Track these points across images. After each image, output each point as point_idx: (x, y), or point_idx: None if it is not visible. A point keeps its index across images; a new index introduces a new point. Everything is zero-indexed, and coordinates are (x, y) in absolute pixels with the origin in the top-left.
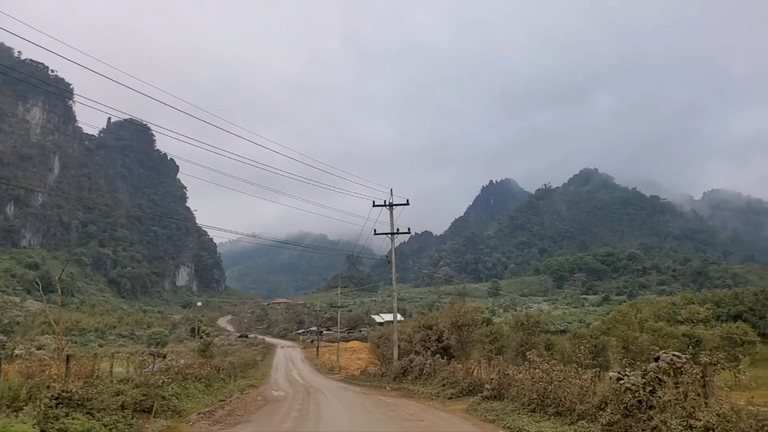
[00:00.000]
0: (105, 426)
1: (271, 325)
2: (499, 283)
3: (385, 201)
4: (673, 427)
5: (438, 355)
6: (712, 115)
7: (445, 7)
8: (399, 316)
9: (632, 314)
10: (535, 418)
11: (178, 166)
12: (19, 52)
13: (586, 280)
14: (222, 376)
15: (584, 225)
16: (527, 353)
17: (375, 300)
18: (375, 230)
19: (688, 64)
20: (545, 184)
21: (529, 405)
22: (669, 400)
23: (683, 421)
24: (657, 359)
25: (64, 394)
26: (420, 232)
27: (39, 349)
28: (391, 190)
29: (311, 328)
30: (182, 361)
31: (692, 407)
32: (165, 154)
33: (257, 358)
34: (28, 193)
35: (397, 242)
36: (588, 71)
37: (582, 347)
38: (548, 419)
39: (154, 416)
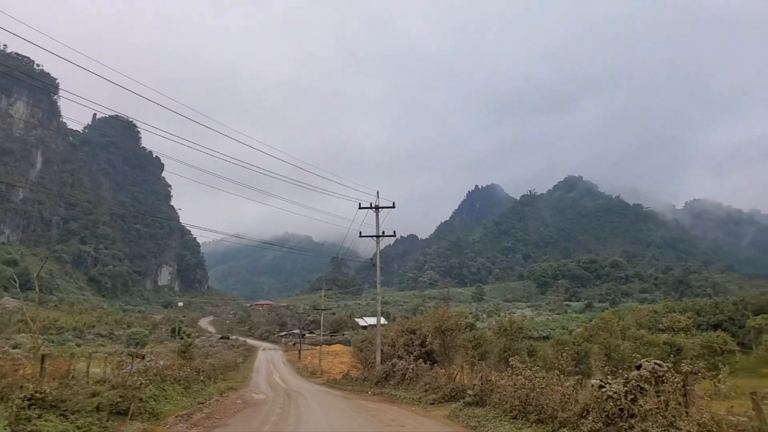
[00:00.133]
0: (79, 428)
1: (253, 327)
2: (483, 288)
3: (371, 203)
4: None
5: (421, 360)
6: (695, 127)
7: (437, 15)
8: (383, 320)
9: (614, 322)
10: (516, 425)
11: (163, 164)
12: (5, 45)
13: (569, 287)
14: (202, 378)
15: (568, 232)
16: (510, 359)
17: (359, 303)
18: (360, 233)
19: (674, 76)
20: (530, 191)
21: (511, 412)
22: (650, 409)
23: (664, 430)
24: (639, 367)
25: (37, 394)
26: (405, 236)
27: (14, 348)
28: (378, 192)
29: (294, 331)
30: (161, 362)
31: (673, 416)
32: (150, 151)
33: (238, 360)
34: (9, 188)
35: (382, 245)
36: (576, 80)
37: (564, 354)
38: (530, 426)
39: (130, 419)
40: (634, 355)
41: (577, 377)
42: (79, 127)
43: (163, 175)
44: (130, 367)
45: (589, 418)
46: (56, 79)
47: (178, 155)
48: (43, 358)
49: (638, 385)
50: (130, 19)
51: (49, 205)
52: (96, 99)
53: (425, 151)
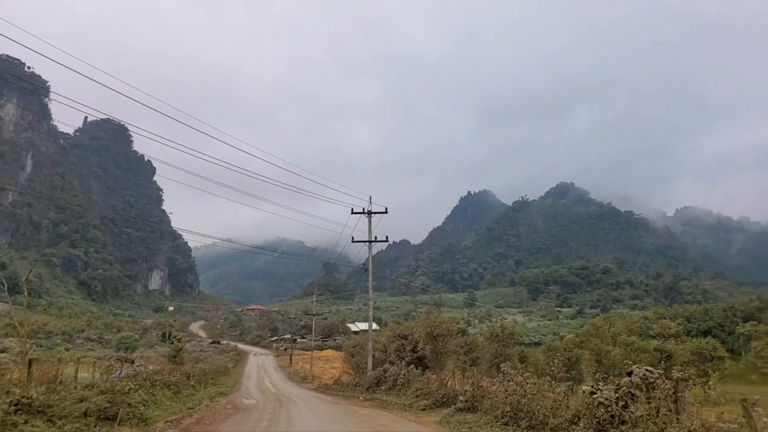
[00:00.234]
0: None
1: (245, 332)
2: (475, 294)
3: (364, 208)
4: None
5: (412, 366)
6: (686, 134)
7: (432, 20)
8: (374, 325)
9: (605, 328)
10: (508, 431)
11: (155, 168)
12: None
13: (560, 293)
14: (192, 383)
15: (560, 238)
16: (501, 365)
17: (351, 308)
18: (353, 238)
19: (666, 84)
20: (522, 197)
21: (502, 418)
22: (641, 416)
23: None
24: (630, 374)
25: (24, 399)
26: (398, 241)
27: (2, 352)
28: (371, 197)
29: (285, 336)
30: (151, 367)
31: (664, 423)
32: (142, 155)
33: (229, 365)
34: None
35: (374, 250)
36: (569, 87)
37: (556, 360)
38: None
39: (118, 424)
40: (624, 361)
41: (568, 383)
42: (70, 130)
43: (154, 178)
44: (119, 371)
45: (580, 424)
46: (47, 81)
47: (170, 159)
48: (30, 362)
49: (629, 392)
50: (122, 22)
51: (38, 209)
52: (87, 102)
53: (418, 156)
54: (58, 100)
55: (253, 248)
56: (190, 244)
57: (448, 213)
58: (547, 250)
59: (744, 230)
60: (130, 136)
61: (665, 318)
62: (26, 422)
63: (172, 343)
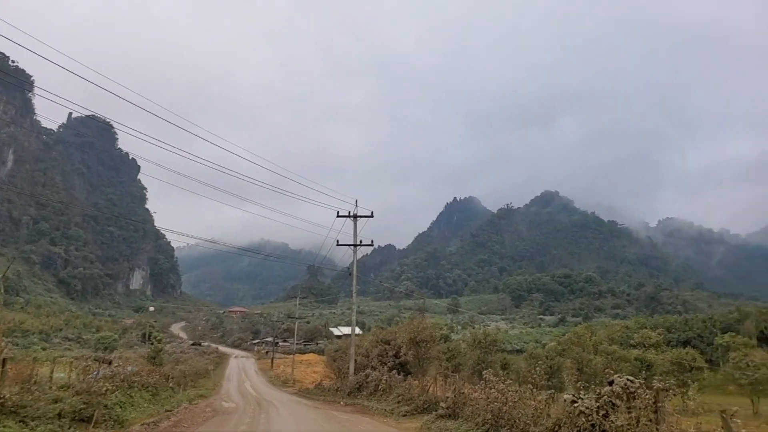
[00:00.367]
0: None
1: (226, 334)
2: (459, 300)
3: (349, 212)
4: None
5: (395, 371)
6: (670, 146)
7: (423, 26)
8: (357, 330)
9: (587, 336)
10: None
11: (139, 167)
12: None
13: (543, 301)
14: (171, 384)
15: (543, 246)
16: (483, 372)
17: (334, 312)
18: (338, 241)
19: (652, 97)
20: (507, 204)
21: (483, 425)
22: (622, 425)
23: None
24: (611, 383)
25: None
26: (383, 245)
27: None
28: (356, 201)
29: (267, 339)
30: (129, 368)
31: None
32: (126, 153)
33: (209, 367)
34: None
35: (359, 254)
36: (556, 97)
37: (537, 368)
38: None
39: (93, 426)
40: (606, 370)
41: (549, 391)
42: (54, 126)
43: (138, 177)
44: (96, 372)
45: None
46: (31, 76)
47: (156, 157)
48: (4, 361)
49: (610, 401)
50: (112, 20)
51: (19, 205)
52: (73, 98)
53: (405, 161)
54: (42, 95)
55: (237, 250)
56: (174, 244)
57: (434, 218)
58: (530, 258)
59: (724, 242)
60: (115, 133)
61: (646, 327)
62: None
63: (152, 343)
